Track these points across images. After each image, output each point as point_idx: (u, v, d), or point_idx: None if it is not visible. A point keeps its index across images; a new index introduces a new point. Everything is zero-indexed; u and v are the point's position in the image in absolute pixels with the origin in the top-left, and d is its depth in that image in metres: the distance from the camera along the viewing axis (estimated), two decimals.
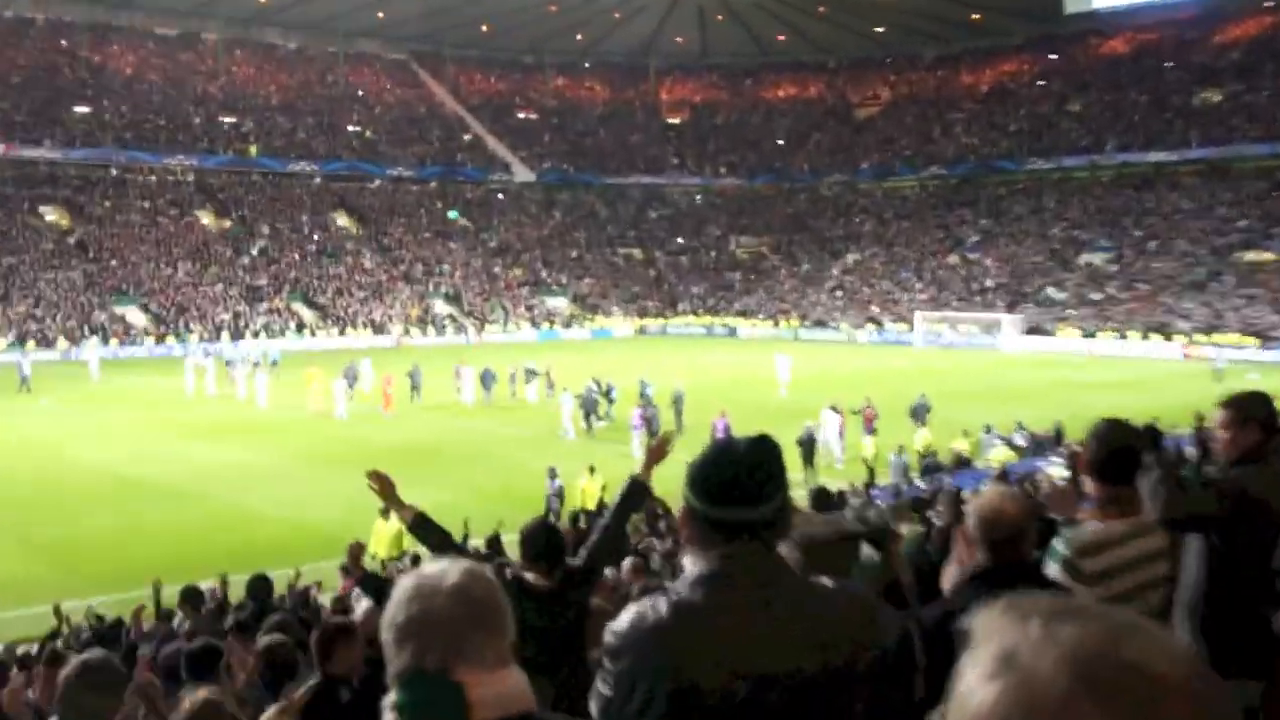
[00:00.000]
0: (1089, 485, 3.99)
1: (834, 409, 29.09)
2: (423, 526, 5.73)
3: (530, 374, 40.15)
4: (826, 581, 2.47)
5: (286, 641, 6.35)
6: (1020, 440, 26.80)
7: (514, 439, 32.51)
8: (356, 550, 7.12)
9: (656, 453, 5.77)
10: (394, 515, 16.63)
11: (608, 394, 35.33)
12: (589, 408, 33.66)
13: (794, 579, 2.42)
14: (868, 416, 28.26)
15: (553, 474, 22.02)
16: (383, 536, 17.80)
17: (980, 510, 3.47)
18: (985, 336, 67.26)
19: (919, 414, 30.48)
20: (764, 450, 2.42)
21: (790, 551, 2.92)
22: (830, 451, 28.10)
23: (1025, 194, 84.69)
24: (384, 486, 5.68)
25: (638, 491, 5.76)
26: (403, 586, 1.92)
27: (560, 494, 21.57)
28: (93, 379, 47.28)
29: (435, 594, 1.87)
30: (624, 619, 2.33)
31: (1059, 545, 3.76)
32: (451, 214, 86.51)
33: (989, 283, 75.16)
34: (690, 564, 2.43)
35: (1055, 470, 19.04)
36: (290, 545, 19.63)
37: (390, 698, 1.86)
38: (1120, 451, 3.92)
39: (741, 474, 2.38)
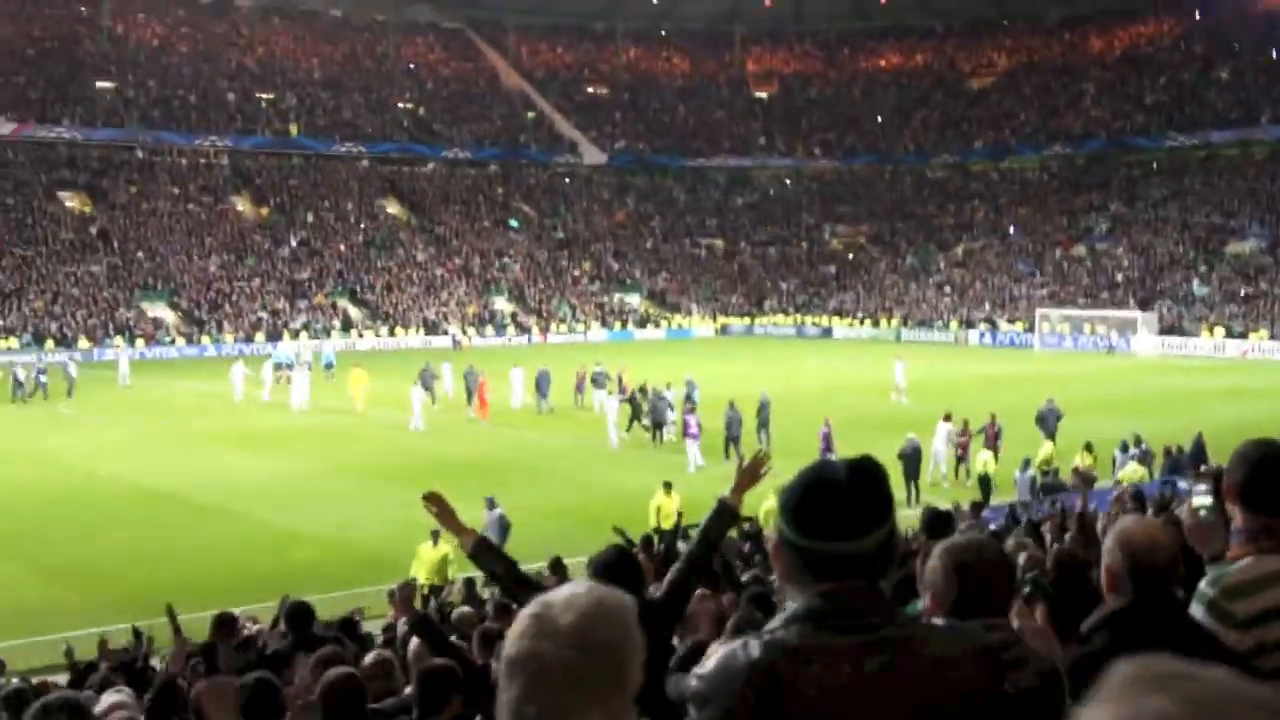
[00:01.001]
0: (1237, 515, 3.85)
1: (947, 418, 28.93)
2: (485, 555, 5.74)
3: (600, 378, 40.21)
4: (940, 622, 2.44)
5: (353, 674, 6.36)
6: (1139, 457, 26.30)
7: (569, 450, 32.63)
8: (407, 593, 7.21)
9: (749, 474, 5.76)
10: (442, 540, 17.10)
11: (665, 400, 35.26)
12: (659, 417, 33.60)
13: (905, 620, 2.40)
14: (990, 434, 28.04)
15: (490, 504, 20.68)
16: (424, 561, 17.96)
17: (1126, 539, 3.41)
18: (1116, 338, 66.29)
19: (1047, 422, 30.31)
20: (866, 475, 2.39)
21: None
22: (938, 466, 28.01)
23: (1164, 175, 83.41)
24: (442, 510, 5.70)
25: (726, 515, 5.75)
26: (524, 613, 1.93)
27: (503, 527, 20.05)
28: (121, 383, 48.15)
29: (547, 633, 1.87)
30: (711, 662, 2.33)
31: (1205, 586, 3.64)
32: (513, 222, 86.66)
33: (1120, 277, 74.04)
34: (788, 600, 2.43)
35: (1197, 497, 18.60)
36: (330, 569, 19.84)
37: None
38: (1273, 475, 3.78)
39: (841, 503, 2.35)
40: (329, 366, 48.84)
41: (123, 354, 53.65)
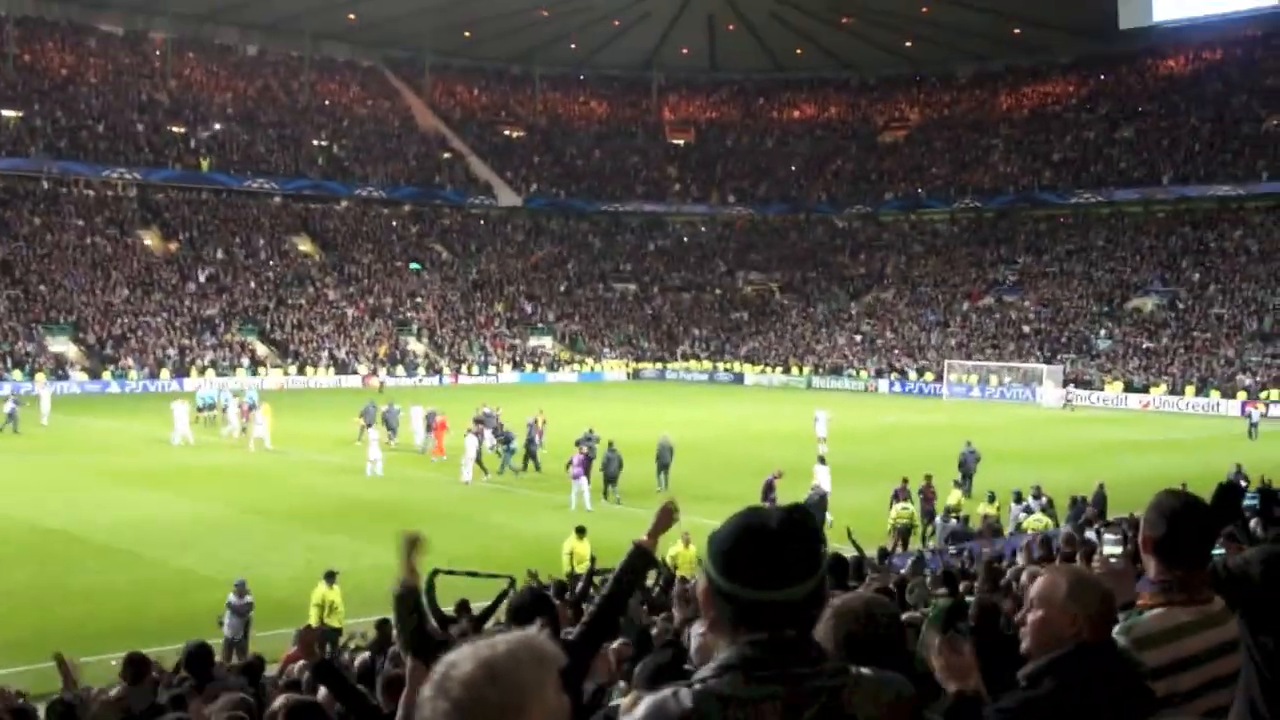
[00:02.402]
0: (1151, 566, 3.91)
1: (822, 460, 29.88)
2: (402, 606, 5.73)
3: (489, 420, 39.71)
4: (867, 671, 2.45)
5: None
6: (1043, 507, 26.74)
7: (467, 494, 32.45)
8: (309, 638, 7.11)
9: (663, 519, 5.72)
10: (325, 584, 17.09)
11: (507, 441, 36.38)
12: (611, 469, 32.21)
13: (835, 669, 2.40)
14: (928, 496, 28.07)
15: (241, 590, 18.17)
16: (313, 606, 17.84)
17: (1082, 584, 3.44)
18: (1021, 389, 67.35)
19: (967, 464, 31.53)
20: (798, 523, 2.39)
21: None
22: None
23: (1069, 230, 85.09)
24: (410, 547, 5.73)
25: (641, 559, 5.70)
26: (435, 667, 1.93)
27: (244, 616, 17.94)
28: (43, 421, 46.30)
29: (441, 689, 1.88)
30: (640, 710, 2.31)
31: (1116, 633, 3.67)
32: (415, 266, 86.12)
33: (1027, 329, 75.28)
34: (714, 648, 2.42)
35: (1107, 546, 18.90)
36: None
37: None
38: (1189, 529, 3.85)
39: (773, 551, 2.35)
40: (252, 407, 47.87)
41: (45, 390, 51.61)
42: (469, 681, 1.87)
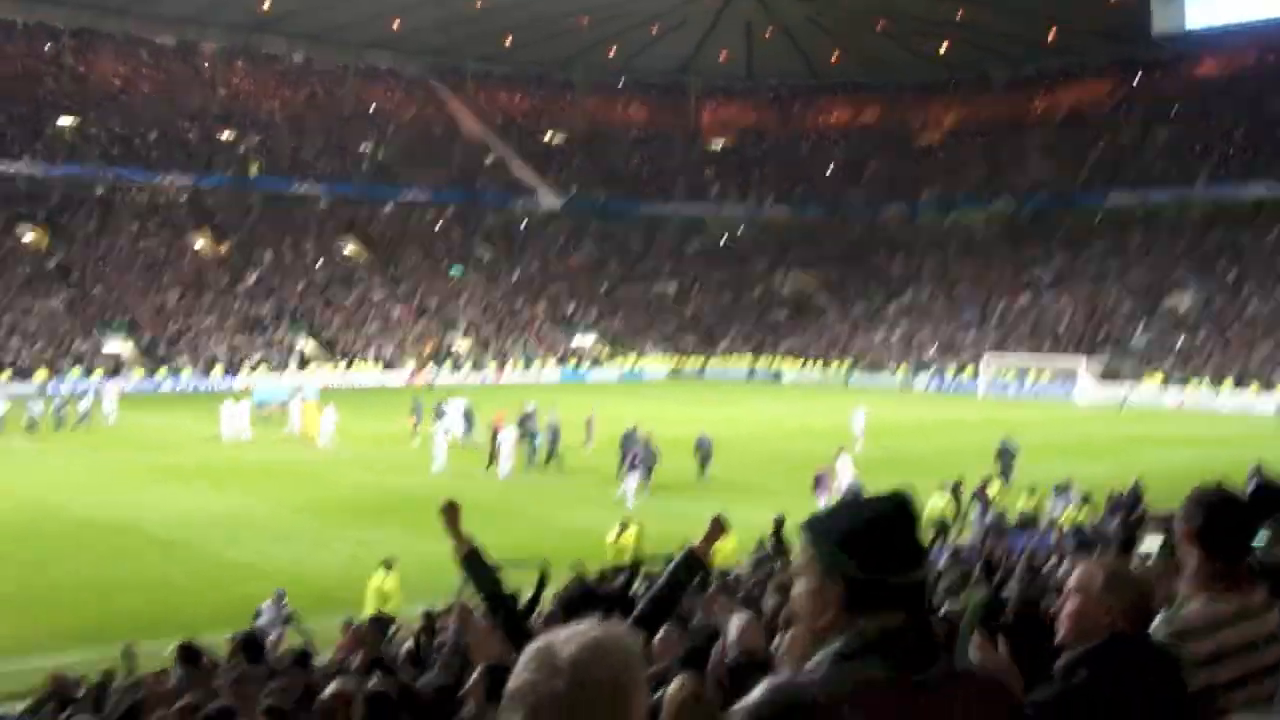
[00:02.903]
0: (1193, 558, 3.88)
1: (846, 452, 29.95)
2: (472, 564, 6.02)
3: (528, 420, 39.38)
4: (970, 663, 2.47)
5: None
6: (1078, 501, 26.51)
7: (505, 487, 32.56)
8: (362, 634, 7.29)
9: (715, 529, 5.87)
10: (384, 571, 17.14)
11: (532, 437, 36.53)
12: (649, 462, 32.27)
13: (948, 660, 2.40)
14: (981, 498, 27.39)
15: (279, 599, 17.54)
16: (371, 592, 17.88)
17: (1118, 576, 3.46)
18: (1058, 386, 66.96)
19: (1005, 456, 31.38)
20: (908, 506, 2.41)
21: None
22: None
23: (1105, 230, 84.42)
24: (452, 512, 6.10)
25: (693, 565, 5.86)
26: (529, 648, 1.98)
27: (282, 627, 17.09)
28: (107, 421, 46.36)
29: (550, 665, 1.92)
30: (760, 694, 2.25)
31: (1157, 627, 3.66)
32: (454, 270, 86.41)
33: (1063, 327, 74.84)
34: (807, 647, 2.38)
35: (1144, 543, 18.74)
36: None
37: None
38: (1228, 521, 3.84)
39: (900, 534, 2.36)
40: (314, 404, 47.66)
41: (110, 388, 50.89)
42: (579, 662, 1.91)
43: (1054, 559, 13.75)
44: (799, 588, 2.42)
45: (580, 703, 1.89)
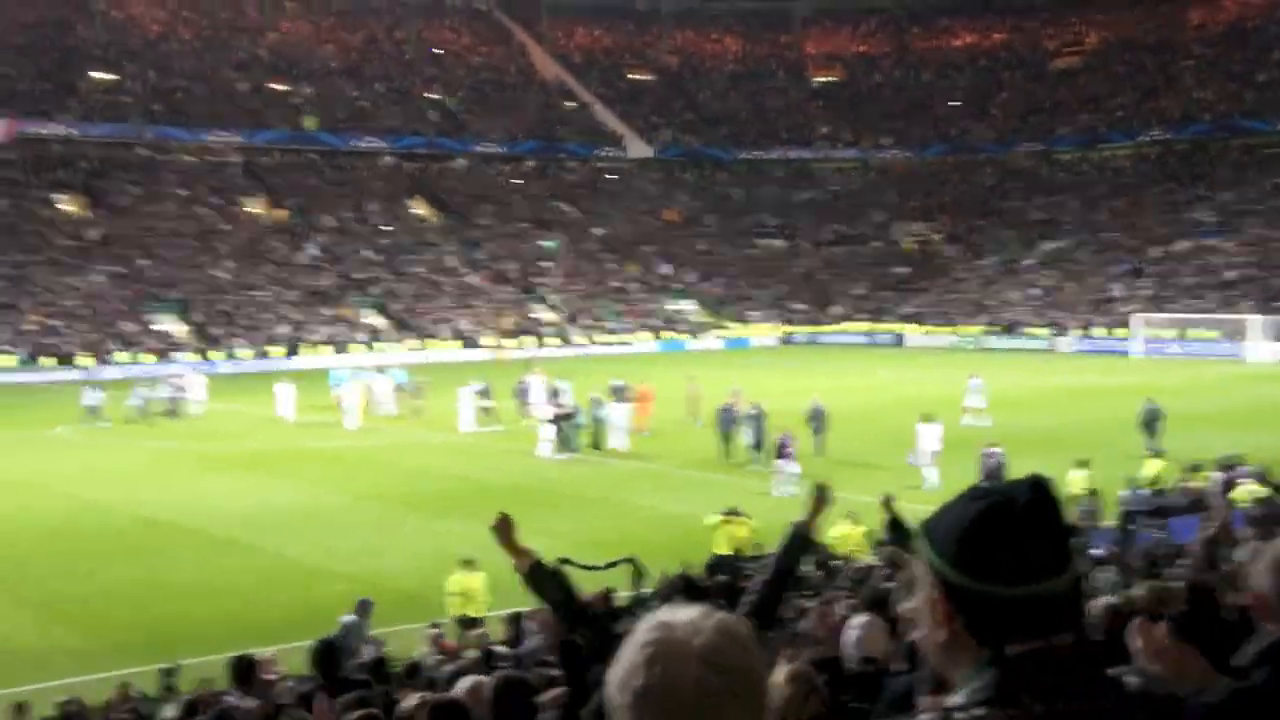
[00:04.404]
0: None
1: (926, 419, 29.42)
2: (537, 578, 6.10)
3: (619, 391, 39.47)
4: (1130, 684, 2.29)
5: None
6: (1258, 477, 25.87)
7: (628, 474, 32.60)
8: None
9: (820, 499, 5.91)
10: (465, 570, 17.28)
11: (570, 417, 36.21)
12: (739, 427, 33.44)
13: (1114, 686, 2.16)
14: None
15: (364, 608, 17.07)
16: (454, 593, 17.99)
17: None
18: (1225, 344, 65.64)
19: (1150, 424, 30.92)
20: (1048, 497, 2.10)
21: None
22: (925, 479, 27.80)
23: (1277, 161, 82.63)
24: (504, 528, 6.10)
25: (801, 542, 5.81)
26: (641, 640, 1.94)
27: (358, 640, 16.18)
28: (198, 409, 46.66)
29: (681, 657, 1.90)
30: None
31: None
32: (547, 243, 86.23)
33: (1231, 275, 73.40)
34: (945, 668, 2.16)
35: None
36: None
37: None
38: None
39: (1030, 533, 2.06)
40: (399, 388, 47.51)
41: (196, 375, 50.80)
42: (714, 647, 1.90)
43: (1227, 541, 13.46)
44: (915, 599, 2.19)
45: (722, 691, 1.88)
